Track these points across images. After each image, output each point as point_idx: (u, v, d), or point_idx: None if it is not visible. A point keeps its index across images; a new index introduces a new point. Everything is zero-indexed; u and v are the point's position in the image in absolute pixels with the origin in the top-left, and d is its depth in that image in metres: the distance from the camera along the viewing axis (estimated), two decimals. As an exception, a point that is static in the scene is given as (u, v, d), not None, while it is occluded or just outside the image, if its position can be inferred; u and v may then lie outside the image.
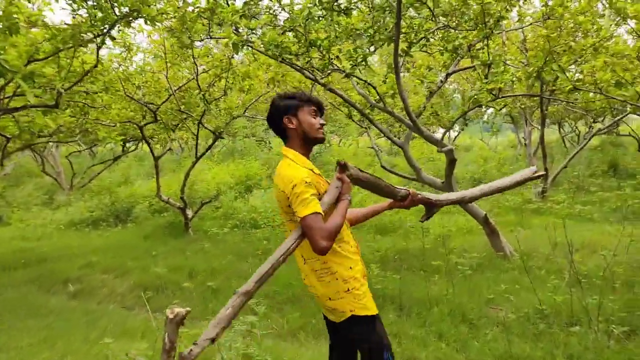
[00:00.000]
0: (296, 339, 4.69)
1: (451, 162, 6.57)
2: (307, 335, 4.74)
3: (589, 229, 8.68)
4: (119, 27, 5.79)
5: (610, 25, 5.92)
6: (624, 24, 4.27)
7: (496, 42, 7.26)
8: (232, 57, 8.32)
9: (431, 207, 2.60)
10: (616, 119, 11.36)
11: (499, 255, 6.86)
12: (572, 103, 9.44)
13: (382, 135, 8.59)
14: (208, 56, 8.88)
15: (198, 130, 9.98)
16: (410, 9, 6.48)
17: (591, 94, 6.39)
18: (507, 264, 6.58)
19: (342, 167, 2.27)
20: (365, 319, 2.35)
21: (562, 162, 12.27)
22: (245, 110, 10.19)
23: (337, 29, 6.05)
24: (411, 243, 8.01)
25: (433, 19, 6.44)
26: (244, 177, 14.89)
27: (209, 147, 10.35)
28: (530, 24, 7.31)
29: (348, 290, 2.32)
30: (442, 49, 6.76)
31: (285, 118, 2.36)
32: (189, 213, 10.60)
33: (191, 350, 1.98)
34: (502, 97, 5.91)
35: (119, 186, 16.07)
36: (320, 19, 5.99)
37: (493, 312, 4.98)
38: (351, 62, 5.83)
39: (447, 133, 26.94)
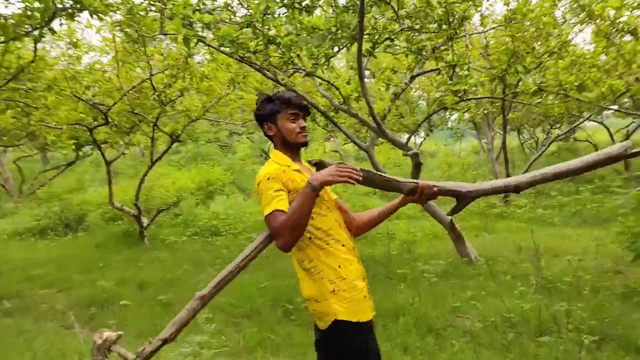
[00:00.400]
0: (252, 357, 4.36)
1: (417, 166, 6.39)
2: (264, 352, 4.41)
3: (550, 233, 8.68)
4: (60, 20, 5.38)
5: (573, 27, 5.85)
6: (591, 23, 4.14)
7: (460, 45, 7.16)
8: (189, 56, 7.95)
9: (461, 199, 2.28)
10: (575, 124, 11.48)
11: (465, 261, 6.71)
12: (536, 106, 9.44)
13: (349, 140, 8.38)
14: (162, 54, 8.46)
15: (153, 133, 9.53)
16: (374, 10, 6.32)
17: (552, 98, 6.32)
18: (472, 270, 6.42)
19: (317, 165, 2.14)
20: (351, 326, 2.12)
21: (523, 167, 12.34)
22: (204, 113, 9.79)
23: (298, 26, 5.80)
24: (377, 249, 7.80)
25: (397, 20, 6.28)
26: (205, 183, 14.43)
27: (165, 152, 9.90)
28: (493, 28, 7.22)
29: (334, 291, 2.14)
30: (406, 50, 6.60)
31: (265, 125, 2.30)
32: (145, 221, 10.12)
33: (144, 349, 2.00)
34: (467, 99, 5.75)
35: (71, 193, 15.36)
36: (280, 15, 5.73)
37: (460, 321, 4.78)
38: (313, 61, 5.58)
39: (413, 139, 27.21)
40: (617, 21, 4.47)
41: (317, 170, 2.14)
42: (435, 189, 2.19)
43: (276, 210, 2.05)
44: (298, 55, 5.75)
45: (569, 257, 5.47)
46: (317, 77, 6.26)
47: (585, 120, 10.57)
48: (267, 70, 6.18)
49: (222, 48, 5.67)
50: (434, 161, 19.52)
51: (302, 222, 2.05)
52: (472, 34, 7.51)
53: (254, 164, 17.69)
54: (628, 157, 2.17)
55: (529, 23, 5.60)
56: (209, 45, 5.83)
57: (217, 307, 5.55)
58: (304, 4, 5.82)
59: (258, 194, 2.16)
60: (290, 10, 5.75)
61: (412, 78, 6.91)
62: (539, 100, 6.59)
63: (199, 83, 8.47)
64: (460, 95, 5.67)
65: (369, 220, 2.45)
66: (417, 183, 2.19)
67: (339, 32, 5.42)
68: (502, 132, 10.39)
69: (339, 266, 2.16)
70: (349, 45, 5.91)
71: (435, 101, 5.76)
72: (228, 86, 9.34)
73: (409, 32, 6.45)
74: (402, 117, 8.05)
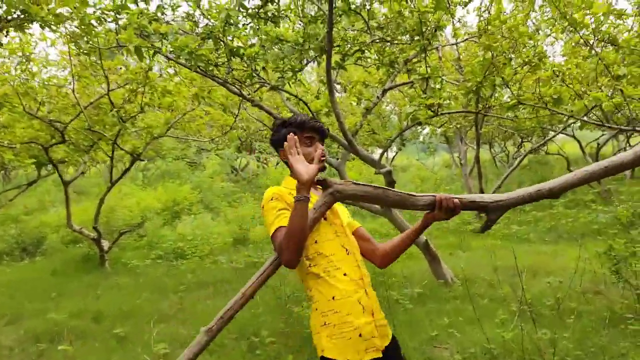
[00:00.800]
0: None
1: (390, 184, 6.09)
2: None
3: (527, 251, 8.48)
4: (6, 32, 4.95)
5: (546, 37, 5.67)
6: (570, 32, 3.93)
7: (433, 57, 6.94)
8: (149, 70, 7.54)
9: (491, 212, 2.02)
10: (547, 137, 11.41)
11: (441, 283, 6.41)
12: (508, 120, 9.30)
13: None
14: (121, 68, 8.04)
15: (113, 152, 9.05)
16: (344, 21, 6.07)
17: (526, 111, 6.13)
18: (449, 293, 6.13)
19: (321, 184, 2.01)
20: None
21: (495, 181, 12.21)
22: (167, 130, 9.35)
23: (264, 37, 5.48)
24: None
25: (368, 31, 6.02)
26: (172, 202, 13.90)
27: (126, 171, 9.41)
28: (466, 39, 7.03)
29: (325, 324, 2.03)
30: (377, 63, 6.34)
31: (281, 151, 2.22)
32: (105, 244, 9.57)
33: None
34: (442, 113, 5.49)
35: (30, 214, 14.64)
36: (245, 25, 5.40)
37: (438, 352, 4.45)
38: (278, 75, 5.26)
39: (385, 153, 27.11)
40: (599, 30, 4.26)
41: (323, 190, 2.02)
42: (455, 200, 1.98)
43: (280, 227, 2.01)
44: (263, 68, 5.41)
45: (549, 280, 5.21)
46: (284, 91, 5.93)
47: (557, 134, 10.49)
48: (232, 85, 5.83)
49: (180, 60, 5.31)
50: (406, 176, 19.34)
51: (298, 233, 1.93)
52: (445, 46, 7.31)
53: (223, 182, 17.22)
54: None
55: (503, 35, 5.39)
56: (168, 58, 5.46)
57: (178, 340, 5.11)
58: (269, 13, 5.52)
59: (262, 214, 2.11)
60: (256, 21, 5.44)
61: (384, 92, 6.65)
62: (515, 114, 6.40)
63: (160, 98, 8.07)
64: (434, 109, 5.40)
65: (392, 249, 2.28)
66: (434, 196, 2.01)
67: (307, 43, 5.11)
68: (474, 146, 10.23)
69: (333, 297, 2.03)
70: (317, 57, 5.63)
71: (409, 116, 5.48)
72: (192, 101, 8.96)
73: (381, 44, 6.21)
74: (375, 133, 7.76)
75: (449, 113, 6.38)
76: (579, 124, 8.05)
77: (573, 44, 5.54)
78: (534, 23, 6.80)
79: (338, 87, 12.21)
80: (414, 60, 5.84)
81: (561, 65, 4.43)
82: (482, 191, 11.50)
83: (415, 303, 5.67)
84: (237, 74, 5.58)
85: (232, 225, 11.47)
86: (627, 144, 16.64)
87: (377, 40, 6.11)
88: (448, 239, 9.72)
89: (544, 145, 14.40)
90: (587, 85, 5.81)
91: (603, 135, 14.96)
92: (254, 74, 5.47)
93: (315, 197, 2.12)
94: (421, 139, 18.97)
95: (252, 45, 5.29)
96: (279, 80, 5.13)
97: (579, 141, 13.70)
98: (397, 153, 23.19)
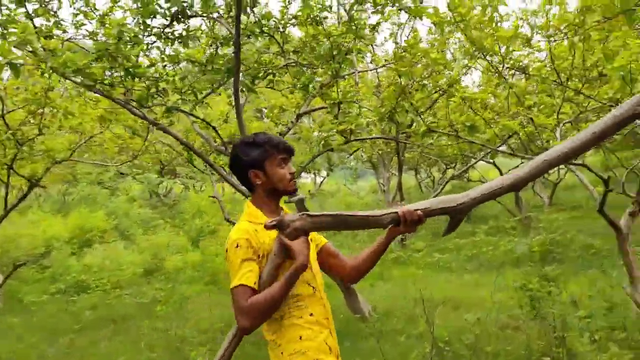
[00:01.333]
0: None
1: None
2: None
3: (448, 280, 8.38)
4: None
5: (463, 67, 5.59)
6: (480, 58, 3.80)
7: (349, 82, 6.77)
8: (49, 90, 6.89)
9: (454, 215, 1.93)
10: (468, 164, 11.55)
11: (357, 318, 6.09)
12: (427, 148, 9.26)
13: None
14: (18, 88, 7.32)
15: (8, 177, 8.20)
16: (258, 44, 5.79)
17: (445, 138, 6.03)
18: (365, 329, 5.82)
19: (277, 227, 1.82)
20: None
21: (421, 208, 12.16)
22: (71, 154, 8.61)
23: (165, 57, 5.07)
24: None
25: (282, 54, 5.75)
26: (80, 230, 12.91)
27: (22, 198, 8.56)
28: (383, 65, 6.90)
29: None
30: (291, 87, 6.07)
31: (252, 172, 2.04)
32: (-2, 278, 8.59)
33: None
34: (355, 139, 5.25)
35: None
36: (148, 45, 4.97)
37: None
38: (177, 97, 4.84)
39: (313, 179, 26.91)
40: (508, 57, 4.15)
41: (279, 231, 1.84)
42: (419, 212, 1.88)
43: (242, 285, 1.84)
44: (163, 89, 4.97)
45: (467, 316, 5.00)
46: (189, 114, 5.50)
47: (478, 160, 10.62)
48: (133, 106, 5.34)
49: (73, 78, 4.79)
50: (334, 201, 19.17)
51: (277, 307, 1.87)
52: (362, 72, 7.16)
53: (141, 207, 16.33)
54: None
55: (418, 62, 5.26)
56: (64, 76, 4.92)
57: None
58: (176, 33, 5.11)
59: (226, 260, 1.95)
60: (164, 41, 5.02)
61: (299, 116, 6.35)
62: (431, 141, 6.28)
63: (62, 120, 7.41)
64: (346, 135, 5.15)
65: (362, 263, 2.15)
66: (396, 213, 1.90)
67: (209, 64, 4.75)
68: (397, 173, 10.15)
69: (300, 337, 1.93)
70: (225, 79, 5.27)
71: (320, 142, 5.20)
72: (101, 124, 8.33)
73: (296, 68, 5.94)
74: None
75: (362, 139, 6.16)
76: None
77: (488, 72, 5.50)
78: (452, 52, 6.80)
79: (259, 112, 11.88)
80: (329, 84, 5.61)
81: (473, 93, 4.30)
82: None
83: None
84: (136, 95, 5.10)
85: (145, 255, 10.73)
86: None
87: (293, 64, 5.86)
88: (370, 268, 9.48)
89: (466, 172, 14.66)
90: (502, 114, 5.80)
91: (522, 162, 15.43)
92: (156, 95, 5.03)
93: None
94: (348, 164, 19.02)
95: (152, 65, 4.86)
96: (177, 102, 4.69)
97: (499, 168, 14.02)
98: (324, 179, 23.10)
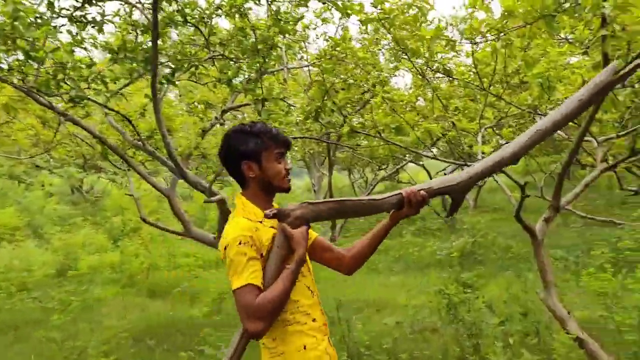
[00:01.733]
0: None
1: (223, 213, 5.51)
2: None
3: (375, 282, 8.37)
4: None
5: (394, 70, 5.53)
6: (404, 58, 3.71)
7: (278, 79, 6.58)
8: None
9: (455, 195, 1.94)
10: (398, 166, 11.65)
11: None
12: (353, 149, 9.21)
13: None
14: None
15: None
16: (184, 34, 5.50)
17: (376, 140, 5.97)
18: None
19: (277, 217, 1.78)
20: None
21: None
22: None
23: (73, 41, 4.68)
24: (180, 311, 6.64)
25: (207, 46, 5.48)
26: (-12, 227, 11.99)
27: None
28: (313, 63, 6.76)
29: None
30: (214, 80, 5.81)
31: (245, 164, 1.91)
32: None
33: None
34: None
35: None
36: (55, 28, 4.55)
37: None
38: (88, 85, 4.48)
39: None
40: (432, 60, 4.10)
41: (279, 221, 1.79)
42: (422, 193, 1.87)
43: (250, 284, 1.72)
44: (69, 76, 4.58)
45: (385, 321, 4.94)
46: (104, 106, 5.12)
47: (406, 163, 10.71)
48: (40, 94, 4.90)
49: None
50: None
51: (284, 306, 1.78)
52: (292, 68, 6.98)
53: (59, 203, 15.40)
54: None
55: (350, 61, 5.14)
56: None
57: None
58: (89, 17, 4.73)
59: (225, 258, 1.80)
60: (76, 25, 4.63)
61: (223, 112, 6.11)
62: (360, 142, 6.20)
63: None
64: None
65: (360, 253, 2.08)
66: (401, 194, 1.88)
67: (122, 51, 4.42)
68: (327, 173, 10.06)
69: (305, 347, 1.84)
70: (142, 70, 4.95)
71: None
72: (7, 113, 7.70)
73: (223, 61, 5.69)
74: (205, 157, 7.15)
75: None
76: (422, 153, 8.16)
77: (414, 74, 5.47)
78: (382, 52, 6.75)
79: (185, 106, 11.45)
80: (253, 80, 5.40)
81: (397, 94, 4.21)
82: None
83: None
84: (39, 82, 4.67)
85: (59, 254, 10.07)
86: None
87: (220, 57, 5.61)
88: (296, 269, 9.32)
89: (397, 174, 14.83)
90: (429, 117, 5.80)
91: (450, 165, 15.80)
92: (63, 83, 4.62)
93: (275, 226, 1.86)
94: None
95: (57, 49, 4.45)
96: (83, 91, 4.33)
97: (427, 171, 14.27)
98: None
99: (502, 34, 3.26)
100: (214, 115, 6.37)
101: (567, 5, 3.13)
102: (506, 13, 3.40)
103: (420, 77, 3.88)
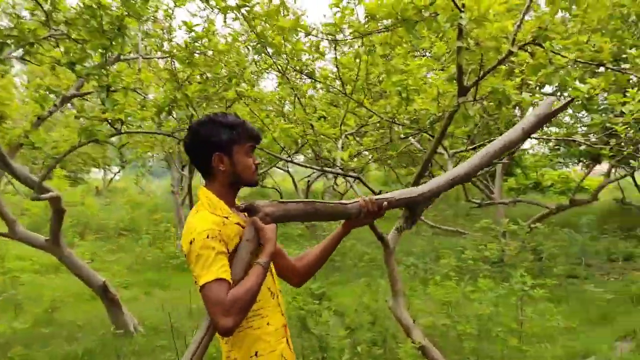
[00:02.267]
0: None
1: (58, 213, 4.89)
2: None
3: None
4: None
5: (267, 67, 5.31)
6: (263, 53, 3.48)
7: (133, 67, 6.06)
8: None
9: (415, 206, 2.09)
10: (261, 171, 11.47)
11: (120, 334, 5.35)
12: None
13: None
14: None
15: None
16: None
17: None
18: (128, 346, 5.13)
19: (249, 210, 1.77)
20: None
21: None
22: None
23: None
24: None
25: (47, 23, 4.83)
26: None
27: None
28: (170, 54, 6.29)
29: None
30: (53, 62, 5.16)
31: (216, 155, 1.83)
32: None
33: None
34: (127, 132, 4.59)
35: None
36: None
37: None
38: None
39: (103, 174, 24.58)
40: (295, 59, 3.94)
41: (249, 215, 1.77)
42: (384, 203, 1.91)
43: (220, 279, 1.65)
44: None
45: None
46: None
47: (270, 168, 10.56)
48: None
49: None
50: (122, 200, 17.63)
51: (249, 303, 1.68)
52: (147, 58, 6.45)
53: None
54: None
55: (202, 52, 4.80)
56: None
57: None
58: None
59: (190, 253, 1.71)
60: None
61: (65, 99, 5.45)
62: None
63: None
64: (116, 126, 4.47)
65: (312, 263, 2.08)
66: (358, 201, 1.91)
67: None
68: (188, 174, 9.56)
69: (256, 353, 1.79)
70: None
71: (84, 132, 4.42)
72: None
73: (68, 42, 5.05)
74: (36, 148, 6.27)
75: (134, 132, 5.49)
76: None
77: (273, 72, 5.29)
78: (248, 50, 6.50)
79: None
80: (99, 65, 4.85)
81: (251, 92, 3.97)
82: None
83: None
84: None
85: None
86: (334, 183, 18.15)
87: (64, 37, 4.98)
88: (146, 274, 8.67)
89: (261, 179, 14.68)
90: (294, 120, 5.65)
91: (314, 172, 15.98)
92: None
93: (241, 222, 1.84)
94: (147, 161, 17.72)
95: None
96: None
97: (292, 177, 14.27)
98: (115, 175, 21.32)
99: (364, 36, 3.17)
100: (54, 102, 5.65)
101: (426, 14, 3.13)
102: (369, 17, 3.34)
103: (280, 74, 3.69)
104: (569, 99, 2.32)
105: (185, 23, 4.04)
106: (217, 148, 1.84)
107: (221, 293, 1.63)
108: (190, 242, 1.71)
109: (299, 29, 3.07)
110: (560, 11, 3.88)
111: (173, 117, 4.62)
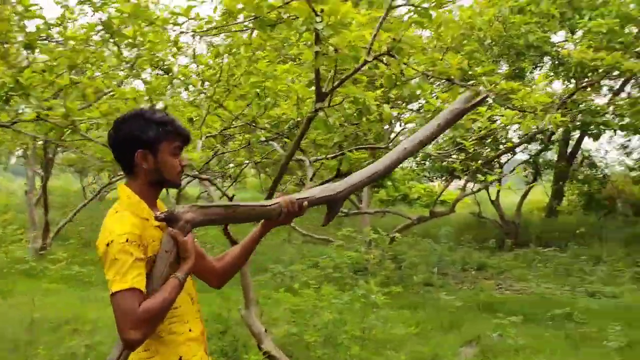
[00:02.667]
0: None
1: None
2: None
3: (83, 297, 7.46)
4: None
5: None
6: (110, 42, 3.21)
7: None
8: None
9: (334, 204, 1.96)
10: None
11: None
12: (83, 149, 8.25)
13: None
14: None
15: None
16: None
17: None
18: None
19: (167, 220, 1.64)
20: None
21: (70, 214, 10.86)
22: None
23: None
24: None
25: None
26: None
27: None
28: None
29: None
30: None
31: (140, 152, 1.73)
32: None
33: None
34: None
35: None
36: None
37: None
38: None
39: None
40: (152, 54, 3.69)
41: (169, 225, 1.64)
42: (304, 203, 1.84)
43: (134, 288, 1.56)
44: None
45: (72, 343, 4.29)
46: None
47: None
48: None
49: None
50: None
51: (160, 316, 1.62)
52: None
53: None
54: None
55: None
56: None
57: None
58: None
59: (105, 255, 1.61)
60: None
61: None
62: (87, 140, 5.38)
63: None
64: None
65: (232, 264, 1.98)
66: (278, 201, 1.83)
67: None
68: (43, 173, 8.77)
69: (180, 358, 1.73)
70: None
71: None
72: None
73: None
74: None
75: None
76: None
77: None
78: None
79: None
80: None
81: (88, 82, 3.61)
82: (47, 225, 9.98)
83: None
84: None
85: None
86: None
87: None
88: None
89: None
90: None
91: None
92: None
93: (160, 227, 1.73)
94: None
95: None
96: None
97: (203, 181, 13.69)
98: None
99: (217, 30, 3.05)
100: None
101: (285, 16, 3.08)
102: (226, 12, 3.22)
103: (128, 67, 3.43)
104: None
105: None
106: (141, 145, 1.75)
107: (133, 303, 1.56)
108: (107, 244, 1.62)
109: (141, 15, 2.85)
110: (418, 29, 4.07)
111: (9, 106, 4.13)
